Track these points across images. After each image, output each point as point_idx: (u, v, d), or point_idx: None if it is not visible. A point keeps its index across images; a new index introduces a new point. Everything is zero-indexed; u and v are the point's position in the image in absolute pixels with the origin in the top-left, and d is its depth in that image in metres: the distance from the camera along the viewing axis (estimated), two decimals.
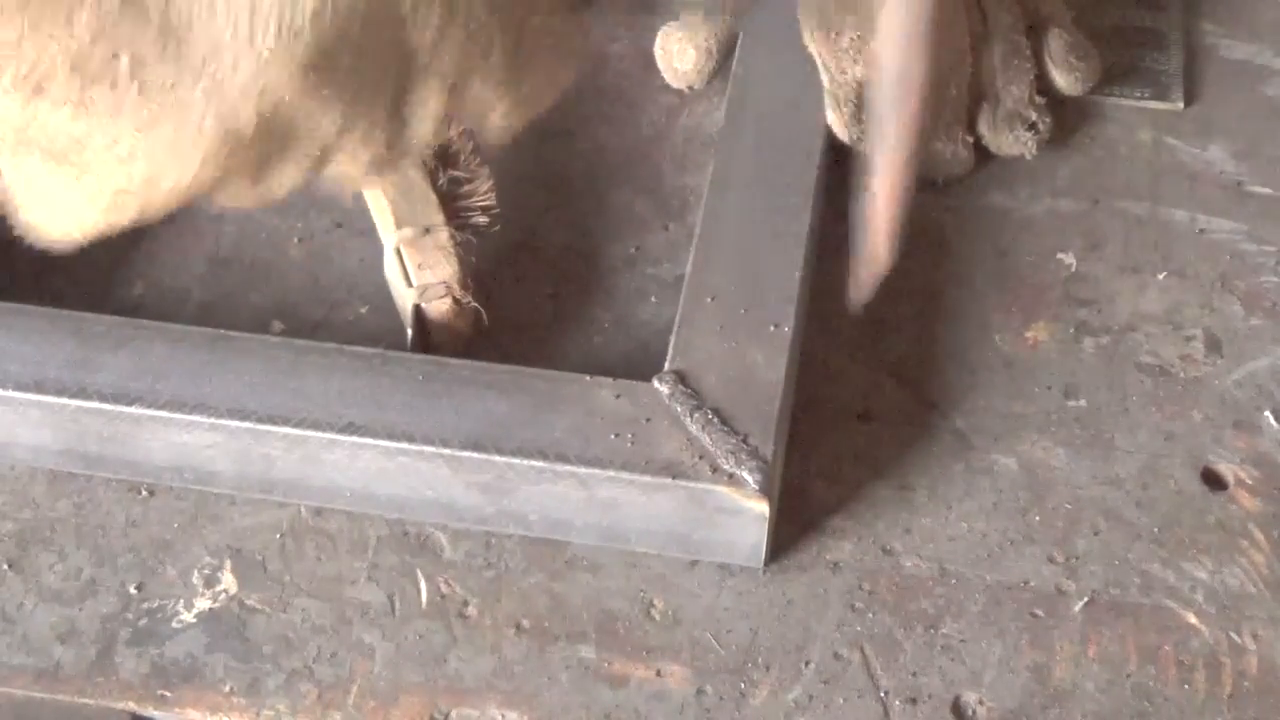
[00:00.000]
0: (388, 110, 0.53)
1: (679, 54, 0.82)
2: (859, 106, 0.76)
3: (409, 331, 0.70)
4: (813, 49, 0.78)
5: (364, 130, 0.53)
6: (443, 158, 0.73)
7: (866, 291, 0.60)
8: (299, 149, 0.52)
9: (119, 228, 0.52)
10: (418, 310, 0.69)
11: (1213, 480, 0.69)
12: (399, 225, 0.71)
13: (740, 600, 0.65)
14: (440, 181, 0.72)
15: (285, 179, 0.54)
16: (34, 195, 0.52)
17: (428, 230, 0.71)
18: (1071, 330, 0.74)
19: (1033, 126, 0.80)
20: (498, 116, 0.57)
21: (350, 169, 0.54)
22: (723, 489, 0.63)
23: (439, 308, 0.69)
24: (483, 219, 0.72)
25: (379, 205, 0.72)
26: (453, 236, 0.71)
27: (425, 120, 0.54)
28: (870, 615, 0.65)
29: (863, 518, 0.68)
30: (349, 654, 0.64)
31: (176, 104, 0.48)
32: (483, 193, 0.73)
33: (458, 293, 0.69)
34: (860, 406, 0.71)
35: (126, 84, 0.48)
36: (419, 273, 0.70)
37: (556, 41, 0.55)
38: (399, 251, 0.70)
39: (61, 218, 0.53)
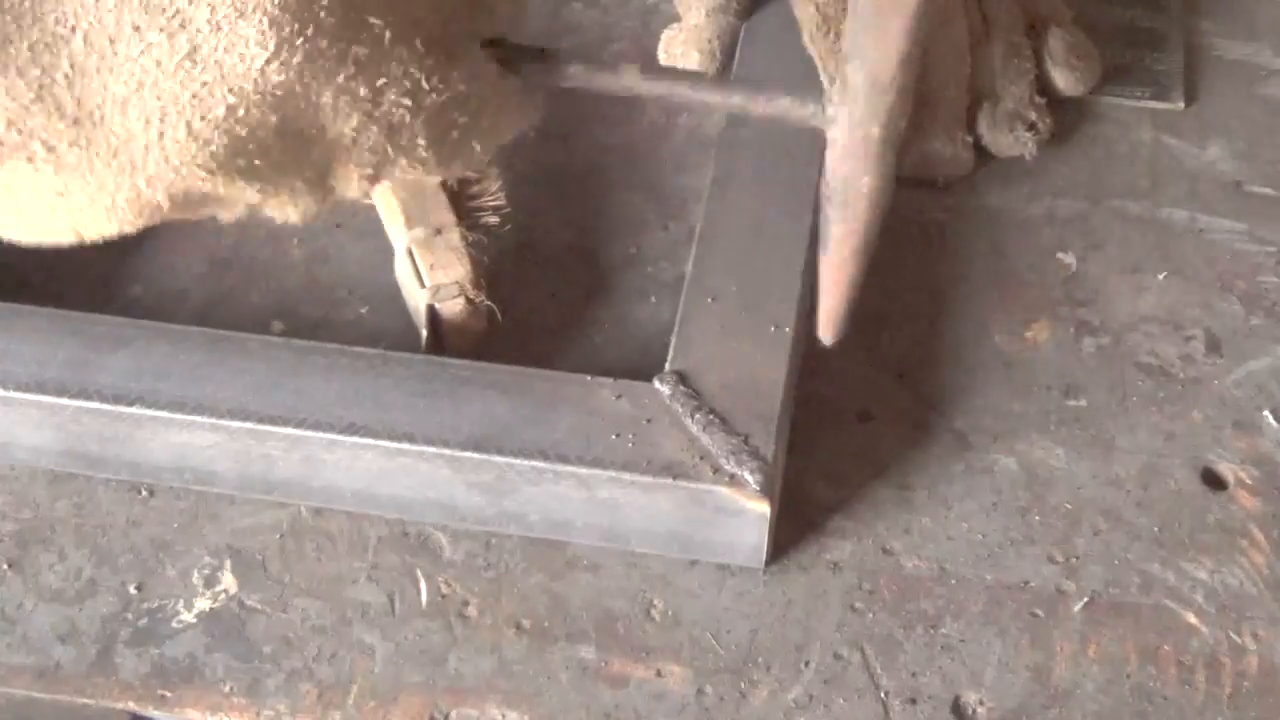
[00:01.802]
0: (310, 183, 0.53)
1: (682, 55, 0.82)
2: None
3: (423, 332, 0.70)
4: (812, 49, 0.78)
5: (288, 197, 0.53)
6: None
7: (830, 336, 0.61)
8: (225, 208, 0.53)
9: (85, 242, 0.53)
10: (431, 310, 0.70)
11: (1213, 480, 0.69)
12: (410, 226, 0.71)
13: (740, 600, 0.65)
14: (450, 182, 0.72)
15: (227, 216, 0.55)
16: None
17: (439, 231, 0.71)
18: (1071, 330, 0.74)
19: (1032, 126, 0.80)
20: (430, 173, 0.57)
21: (289, 214, 0.55)
22: (723, 489, 0.63)
23: (452, 308, 0.70)
24: (493, 219, 0.73)
25: (389, 206, 0.72)
26: (464, 236, 0.71)
27: (352, 189, 0.55)
28: (870, 615, 0.65)
29: (863, 518, 0.68)
30: (349, 654, 0.64)
31: (92, 182, 0.50)
32: (492, 192, 0.73)
33: (470, 292, 0.69)
34: (860, 406, 0.71)
35: (42, 163, 0.50)
36: (431, 273, 0.70)
37: (490, 119, 0.55)
38: (410, 252, 0.70)
39: (26, 229, 0.54)
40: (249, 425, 0.65)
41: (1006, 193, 0.80)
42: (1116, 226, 0.78)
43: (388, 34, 0.49)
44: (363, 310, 0.74)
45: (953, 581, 0.66)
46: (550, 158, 0.81)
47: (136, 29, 0.48)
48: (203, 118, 0.49)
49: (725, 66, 0.81)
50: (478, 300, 0.70)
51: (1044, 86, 0.82)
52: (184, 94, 0.48)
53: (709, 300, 0.69)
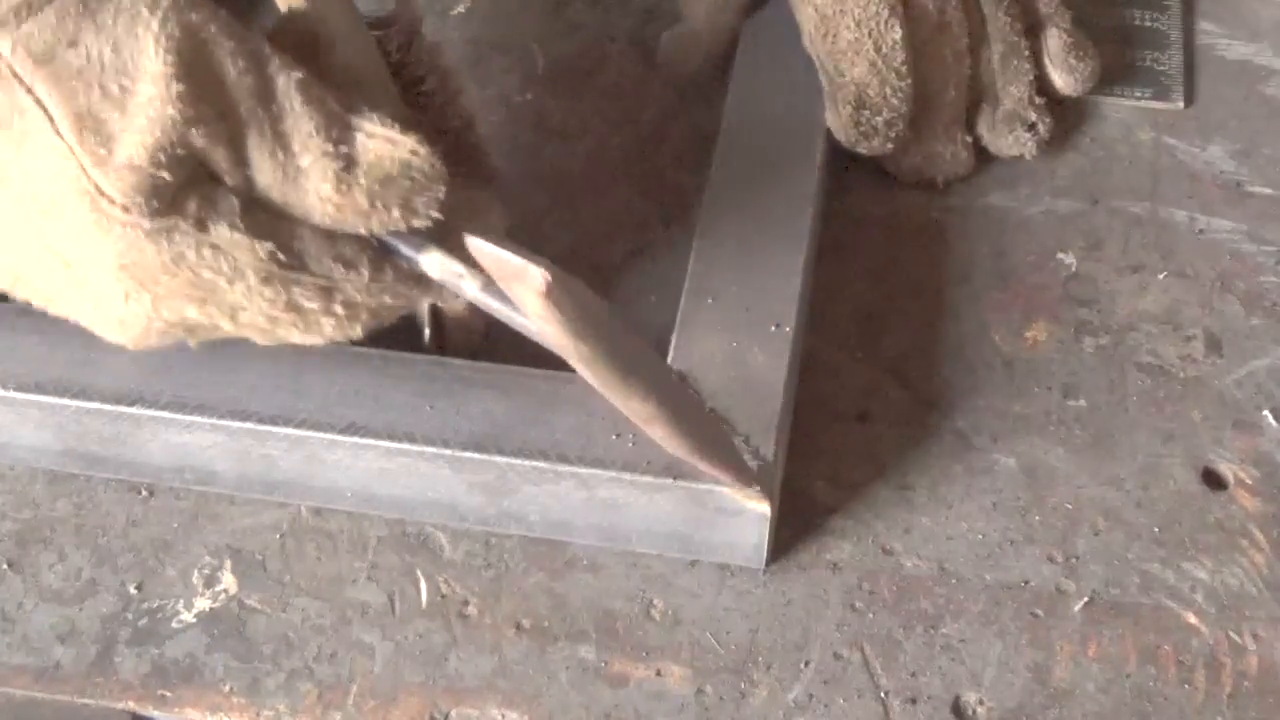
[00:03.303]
0: (261, 334, 0.60)
1: (682, 56, 0.82)
2: (858, 107, 0.76)
3: (425, 331, 0.70)
4: (812, 50, 0.78)
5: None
6: (452, 158, 0.73)
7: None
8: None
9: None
10: (434, 309, 0.69)
11: (1213, 480, 0.69)
12: None
13: (740, 600, 0.65)
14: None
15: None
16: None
17: None
18: (1071, 330, 0.74)
19: (1032, 127, 0.80)
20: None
21: None
22: (724, 490, 0.63)
23: (455, 307, 0.69)
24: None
25: None
26: None
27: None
28: (870, 615, 0.65)
29: (863, 518, 0.68)
30: (349, 654, 0.64)
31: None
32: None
33: None
34: (860, 406, 0.71)
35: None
36: None
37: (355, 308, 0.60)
38: None
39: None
40: (249, 425, 0.65)
41: (1006, 193, 0.80)
42: (1116, 226, 0.78)
43: (222, 280, 0.56)
44: None
45: (953, 581, 0.66)
46: (550, 158, 0.81)
47: (48, 258, 0.57)
48: (107, 322, 0.58)
49: (725, 67, 0.81)
50: None
51: (1043, 87, 0.82)
52: (89, 305, 0.58)
53: (709, 300, 0.69)
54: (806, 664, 0.63)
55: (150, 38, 0.54)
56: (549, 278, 0.54)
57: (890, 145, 0.77)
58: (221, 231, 0.55)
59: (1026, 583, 0.66)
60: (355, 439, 0.64)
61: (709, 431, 0.62)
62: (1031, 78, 0.81)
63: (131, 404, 0.65)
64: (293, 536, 0.67)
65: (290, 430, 0.65)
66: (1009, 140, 0.80)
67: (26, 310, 0.68)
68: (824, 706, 0.62)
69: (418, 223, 0.58)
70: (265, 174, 0.56)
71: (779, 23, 0.80)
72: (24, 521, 0.68)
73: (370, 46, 0.61)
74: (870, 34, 0.76)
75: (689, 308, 0.69)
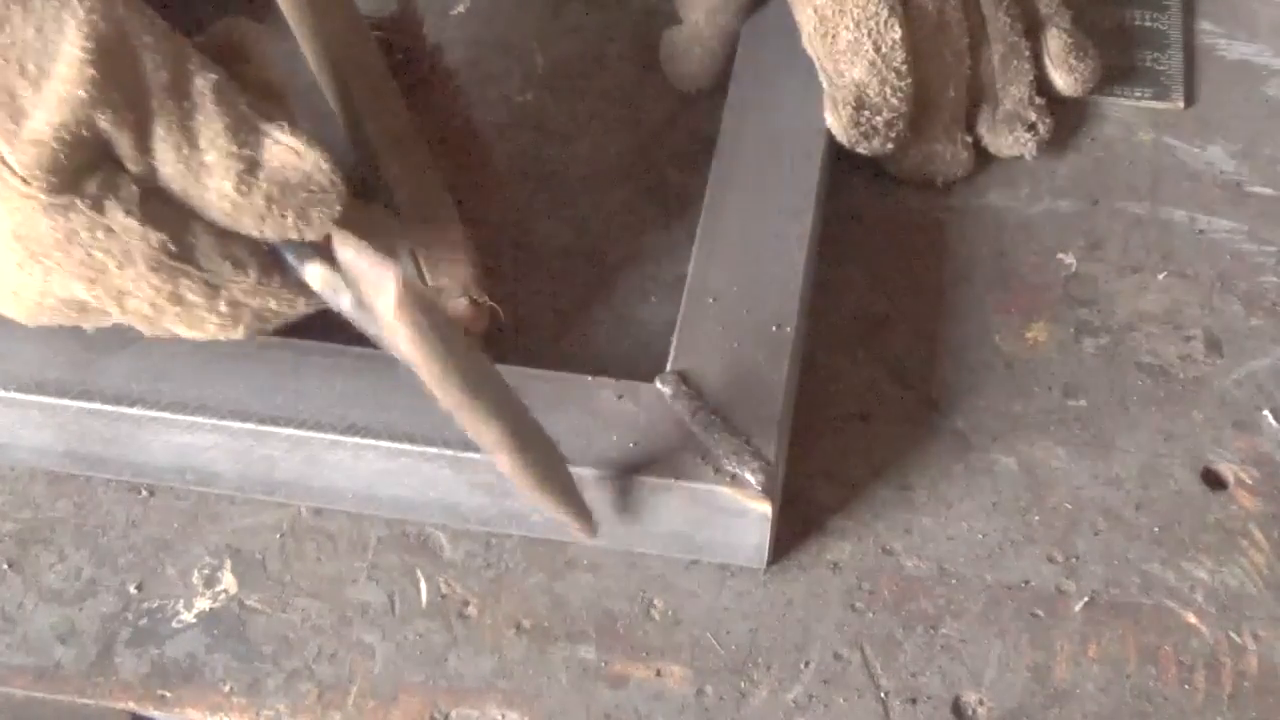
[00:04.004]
0: (145, 323, 0.62)
1: (682, 56, 0.82)
2: (857, 107, 0.76)
3: None
4: (811, 50, 0.78)
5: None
6: (453, 157, 0.73)
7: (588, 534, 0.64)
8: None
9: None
10: None
11: (1213, 480, 0.69)
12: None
13: (740, 600, 0.65)
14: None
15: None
16: None
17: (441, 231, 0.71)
18: (1071, 330, 0.74)
19: (1032, 127, 0.80)
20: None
21: None
22: (725, 490, 0.63)
23: (455, 308, 0.70)
24: (495, 219, 0.73)
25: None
26: (467, 236, 0.71)
27: None
28: (870, 615, 0.65)
29: (863, 518, 0.68)
30: (349, 654, 0.64)
31: None
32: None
33: (473, 292, 0.69)
34: (860, 406, 0.71)
35: None
36: (434, 273, 0.70)
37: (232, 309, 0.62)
38: (413, 252, 0.70)
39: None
40: (250, 426, 0.65)
41: (1006, 193, 0.80)
42: (1116, 226, 0.78)
43: (112, 262, 0.58)
44: None
45: (953, 581, 0.66)
46: (550, 158, 0.81)
47: None
48: (1, 293, 0.60)
49: (725, 68, 0.81)
50: (480, 300, 0.70)
51: (1043, 87, 0.82)
52: None
53: (710, 300, 0.69)
54: (806, 664, 0.63)
55: (74, 24, 0.56)
56: (401, 285, 0.56)
57: (890, 145, 0.77)
58: (116, 215, 0.58)
59: (1026, 583, 0.66)
60: (356, 439, 0.64)
61: (556, 470, 0.62)
62: (1031, 78, 0.81)
63: (132, 405, 0.65)
64: (293, 536, 0.67)
65: (291, 431, 0.65)
66: (1009, 140, 0.80)
67: None
68: (824, 706, 0.62)
69: (310, 234, 0.60)
70: (168, 165, 0.58)
71: (779, 23, 0.80)
72: (24, 522, 0.68)
73: (278, 66, 0.64)
74: (870, 34, 0.76)
75: (689, 308, 0.69)
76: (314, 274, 0.61)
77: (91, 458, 0.68)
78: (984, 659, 0.63)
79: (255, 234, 0.60)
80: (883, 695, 0.62)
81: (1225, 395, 0.71)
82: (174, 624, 0.65)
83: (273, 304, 0.62)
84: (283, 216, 0.59)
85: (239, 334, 0.62)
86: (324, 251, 0.61)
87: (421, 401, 0.65)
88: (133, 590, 0.66)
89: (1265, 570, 0.66)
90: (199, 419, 0.65)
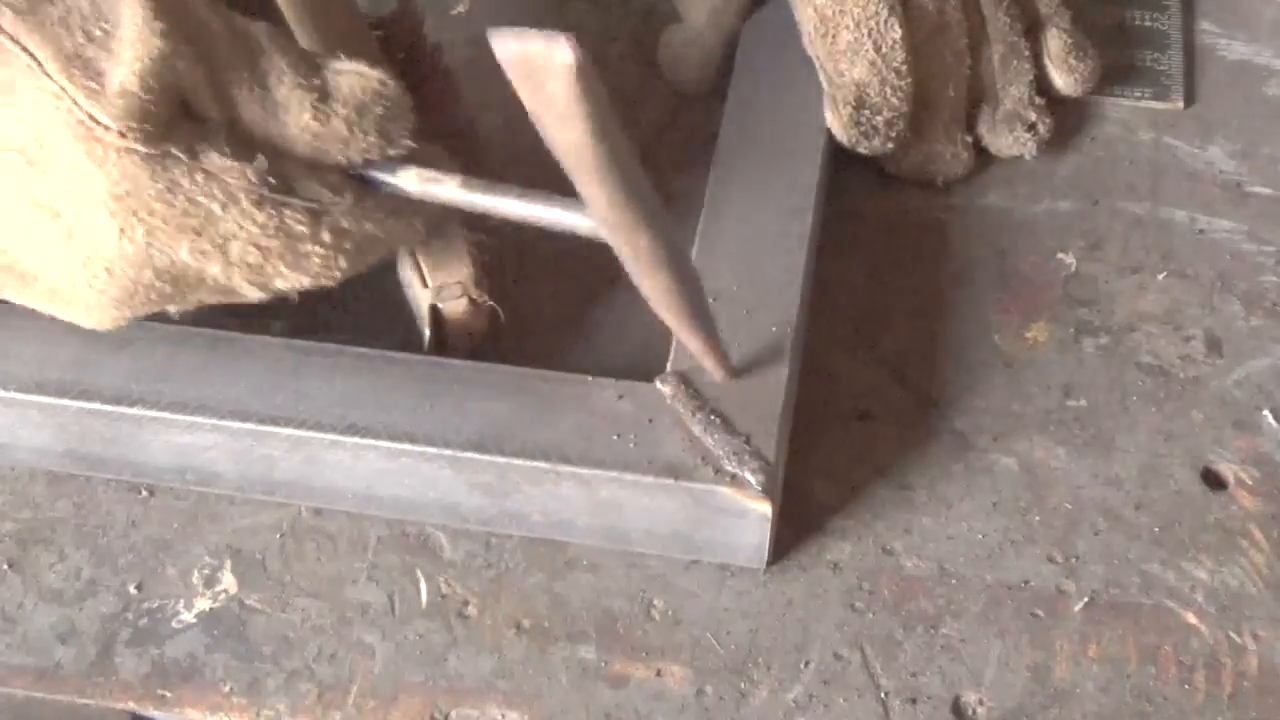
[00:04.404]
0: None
1: (682, 56, 0.82)
2: (858, 107, 0.76)
3: (425, 332, 0.70)
4: (811, 51, 0.78)
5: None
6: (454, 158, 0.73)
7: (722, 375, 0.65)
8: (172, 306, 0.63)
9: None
10: (434, 311, 0.69)
11: (1213, 480, 0.69)
12: None
13: (740, 600, 0.65)
14: None
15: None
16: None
17: (441, 231, 0.71)
18: (1071, 330, 0.74)
19: (1032, 127, 0.80)
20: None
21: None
22: (725, 490, 0.63)
23: (455, 308, 0.69)
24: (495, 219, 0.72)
25: None
26: (466, 236, 0.71)
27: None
28: (870, 615, 0.65)
29: (863, 518, 0.68)
30: (349, 654, 0.64)
31: (60, 309, 0.63)
32: None
33: (474, 292, 0.69)
34: (860, 406, 0.71)
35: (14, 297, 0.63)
36: (434, 273, 0.70)
37: (351, 241, 0.62)
38: (413, 252, 0.70)
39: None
40: (250, 426, 0.65)
41: (1006, 193, 0.80)
42: (1116, 226, 0.78)
43: (215, 205, 0.58)
44: (364, 310, 0.74)
45: (953, 581, 0.66)
46: (551, 157, 0.81)
47: (34, 217, 0.59)
48: (94, 277, 0.59)
49: (725, 68, 0.81)
50: (480, 300, 0.70)
51: (1043, 87, 0.82)
52: (75, 260, 0.59)
53: (710, 301, 0.69)
54: (806, 664, 0.63)
55: None
56: (578, 51, 0.54)
57: (891, 145, 0.77)
58: (212, 158, 0.58)
59: (1026, 583, 0.66)
60: (355, 439, 0.64)
61: (700, 298, 0.62)
62: (1031, 78, 0.81)
63: (132, 405, 0.65)
64: (293, 536, 0.67)
65: (291, 431, 0.65)
66: (1009, 140, 0.80)
67: (27, 311, 0.68)
68: (824, 706, 0.62)
69: (393, 150, 0.61)
70: (247, 109, 0.59)
71: (779, 23, 0.80)
72: (24, 522, 0.68)
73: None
74: (870, 34, 0.76)
75: None
76: (408, 177, 0.61)
77: (91, 458, 0.68)
78: (984, 659, 0.63)
79: (342, 160, 0.61)
80: (883, 695, 0.63)
81: (1225, 395, 0.71)
82: (174, 624, 0.65)
83: (369, 228, 0.62)
84: (365, 135, 0.60)
85: (340, 269, 0.62)
86: (410, 157, 0.62)
87: (421, 401, 0.65)
88: (133, 590, 0.66)
89: (1265, 570, 0.66)
90: (199, 419, 0.65)
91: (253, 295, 0.62)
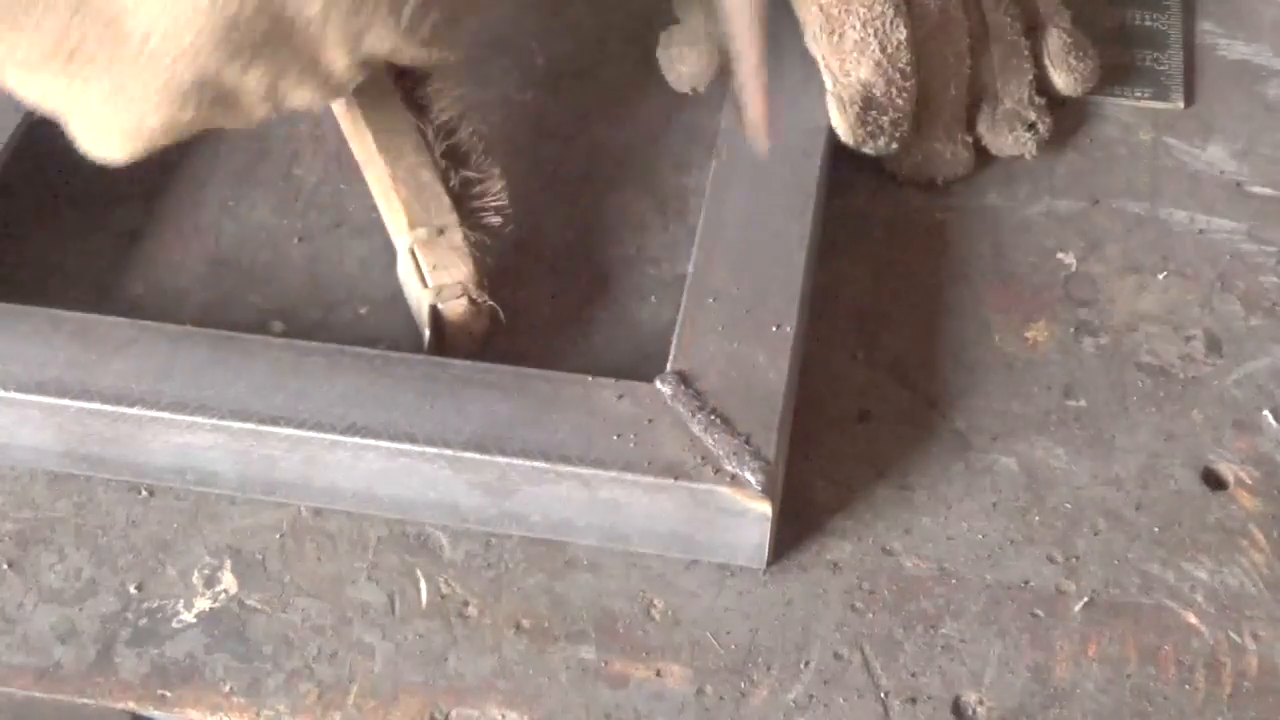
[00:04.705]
0: (305, 67, 0.62)
1: (681, 55, 0.82)
2: (865, 107, 0.76)
3: (425, 332, 0.70)
4: (815, 50, 0.78)
5: (294, 80, 0.62)
6: (454, 157, 0.73)
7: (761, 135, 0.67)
8: (246, 96, 0.62)
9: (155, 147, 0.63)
10: (434, 311, 0.69)
11: (1213, 480, 0.69)
12: (412, 226, 0.71)
13: (740, 600, 0.65)
14: (452, 182, 0.72)
15: (255, 113, 0.64)
16: (72, 118, 0.63)
17: (441, 231, 0.71)
18: (1071, 330, 0.74)
19: (1032, 127, 0.80)
20: (409, 49, 0.65)
21: (308, 102, 0.64)
22: (725, 490, 0.63)
23: (455, 308, 0.69)
24: (495, 219, 0.72)
25: (391, 206, 0.72)
26: (466, 237, 0.71)
27: (347, 69, 0.63)
28: (870, 615, 0.65)
29: (863, 518, 0.68)
30: (349, 654, 0.64)
31: (130, 75, 0.60)
32: (495, 192, 0.73)
33: (474, 292, 0.69)
34: (860, 406, 0.71)
35: (89, 65, 0.60)
36: (434, 273, 0.70)
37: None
38: (413, 252, 0.70)
39: (98, 140, 0.63)
40: (250, 426, 0.65)
41: (1006, 193, 0.80)
42: (1116, 226, 0.78)
43: None
44: (362, 311, 0.74)
45: (953, 581, 0.66)
46: (550, 158, 0.81)
47: None
48: (194, 9, 0.58)
49: (724, 67, 0.81)
50: (480, 300, 0.70)
51: (1043, 87, 0.82)
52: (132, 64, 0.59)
53: (710, 300, 0.69)
54: (806, 664, 0.63)
55: None
56: None
57: (895, 145, 0.77)
58: None
59: (1026, 583, 0.66)
60: (355, 439, 0.64)
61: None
62: (1031, 78, 0.81)
63: (132, 405, 0.65)
64: (293, 536, 0.67)
65: (291, 431, 0.65)
66: (1009, 140, 0.80)
67: (27, 311, 0.68)
68: (824, 706, 0.62)
69: None
70: None
71: (779, 22, 0.80)
72: (24, 522, 0.68)
73: None
74: (876, 34, 0.76)
75: (689, 308, 0.69)
76: None
77: (91, 458, 0.68)
78: (984, 659, 0.64)
79: None
80: (883, 695, 0.63)
81: (1225, 395, 0.71)
82: (174, 624, 0.65)
83: None
84: None
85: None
86: None
87: (421, 401, 0.65)
88: (133, 590, 0.66)
89: (1265, 570, 0.66)
90: (199, 419, 0.65)
91: (340, 61, 0.62)
